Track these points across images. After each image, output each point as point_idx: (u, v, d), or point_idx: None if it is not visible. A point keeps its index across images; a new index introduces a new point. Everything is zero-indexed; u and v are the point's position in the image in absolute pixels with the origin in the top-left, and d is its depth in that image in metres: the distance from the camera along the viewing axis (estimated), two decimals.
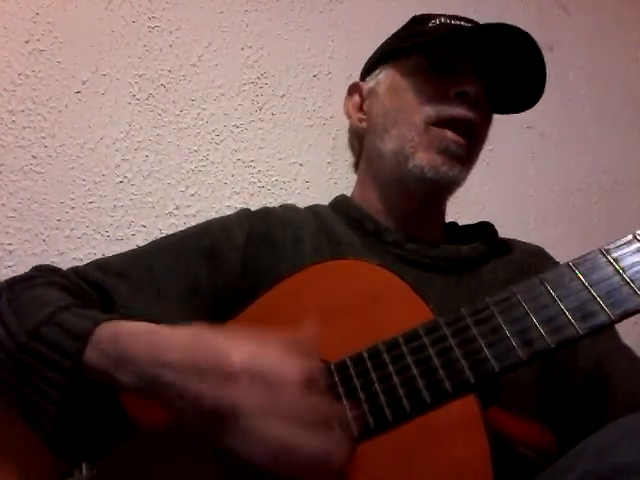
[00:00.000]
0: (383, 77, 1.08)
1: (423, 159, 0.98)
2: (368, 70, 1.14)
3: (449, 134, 0.97)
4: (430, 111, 0.98)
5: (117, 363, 0.67)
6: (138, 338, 0.67)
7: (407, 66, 1.04)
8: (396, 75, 1.06)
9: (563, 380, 0.95)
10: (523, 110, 1.08)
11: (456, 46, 0.99)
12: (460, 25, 1.01)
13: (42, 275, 0.90)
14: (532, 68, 1.00)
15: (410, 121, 1.00)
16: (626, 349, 1.00)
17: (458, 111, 0.97)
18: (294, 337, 0.63)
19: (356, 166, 1.18)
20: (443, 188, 1.02)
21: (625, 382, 0.93)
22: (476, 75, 1.00)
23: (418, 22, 1.09)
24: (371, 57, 1.16)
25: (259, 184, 1.47)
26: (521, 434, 0.83)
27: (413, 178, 1.00)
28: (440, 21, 1.03)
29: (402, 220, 1.05)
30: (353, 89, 1.16)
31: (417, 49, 1.03)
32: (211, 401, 0.59)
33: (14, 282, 0.87)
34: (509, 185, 1.82)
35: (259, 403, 0.57)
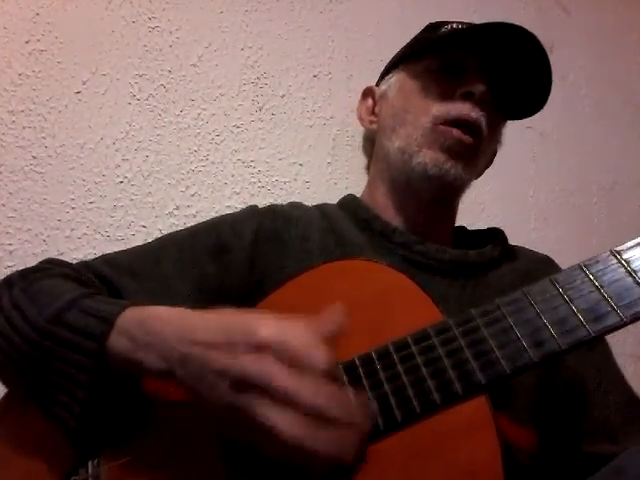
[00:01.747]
0: (394, 80, 1.11)
1: (426, 156, 0.99)
2: (382, 75, 1.17)
3: (454, 132, 0.98)
4: (437, 112, 1.00)
5: (145, 345, 0.66)
6: (169, 319, 0.67)
7: (417, 68, 1.06)
8: (406, 78, 1.08)
9: (546, 385, 0.95)
10: (531, 114, 1.08)
11: (464, 47, 1.01)
12: (471, 29, 1.02)
13: (54, 267, 0.90)
14: (538, 69, 1.00)
15: (417, 121, 1.01)
16: (614, 368, 1.00)
17: (463, 110, 0.98)
18: (321, 323, 0.62)
19: (368, 169, 1.19)
20: (448, 186, 1.01)
21: (602, 400, 0.94)
22: (483, 75, 1.01)
23: (432, 28, 1.10)
24: (387, 64, 1.18)
25: (259, 184, 1.46)
26: (515, 438, 0.83)
27: (417, 176, 1.00)
28: (452, 27, 1.04)
29: (410, 221, 1.05)
30: (367, 93, 1.18)
31: (426, 51, 1.05)
32: (239, 370, 0.58)
33: (27, 272, 0.87)
34: (509, 185, 1.82)
35: (284, 384, 0.56)
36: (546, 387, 0.93)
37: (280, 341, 0.58)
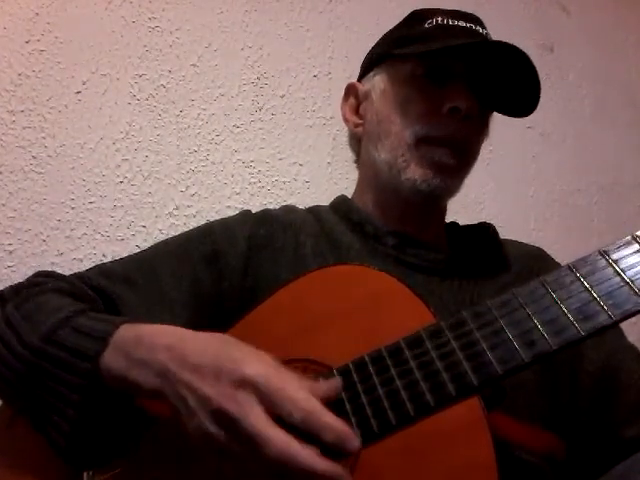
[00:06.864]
0: (378, 81, 1.06)
1: (415, 173, 0.97)
2: (365, 71, 1.12)
3: (440, 152, 0.96)
4: (421, 130, 0.97)
5: (139, 362, 0.67)
6: (164, 337, 0.68)
7: (401, 73, 1.02)
8: (390, 81, 1.04)
9: (571, 385, 0.95)
10: (521, 116, 1.04)
11: (451, 52, 0.96)
12: (457, 26, 0.99)
13: (47, 281, 0.89)
14: (525, 77, 0.97)
15: (401, 135, 0.99)
16: (632, 348, 1.00)
17: (448, 131, 0.96)
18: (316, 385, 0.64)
19: (356, 162, 1.16)
20: (437, 198, 1.01)
21: (635, 381, 0.94)
22: (470, 82, 0.98)
23: (415, 20, 1.05)
24: (368, 54, 1.14)
25: (259, 184, 1.47)
26: (521, 438, 0.83)
27: (407, 189, 0.99)
28: (437, 21, 1.00)
29: (401, 223, 1.04)
30: (349, 91, 1.14)
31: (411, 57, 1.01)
32: (217, 401, 0.60)
33: (19, 288, 0.87)
34: (509, 185, 1.82)
35: (256, 426, 0.58)
36: (564, 384, 0.94)
37: (263, 382, 0.60)
